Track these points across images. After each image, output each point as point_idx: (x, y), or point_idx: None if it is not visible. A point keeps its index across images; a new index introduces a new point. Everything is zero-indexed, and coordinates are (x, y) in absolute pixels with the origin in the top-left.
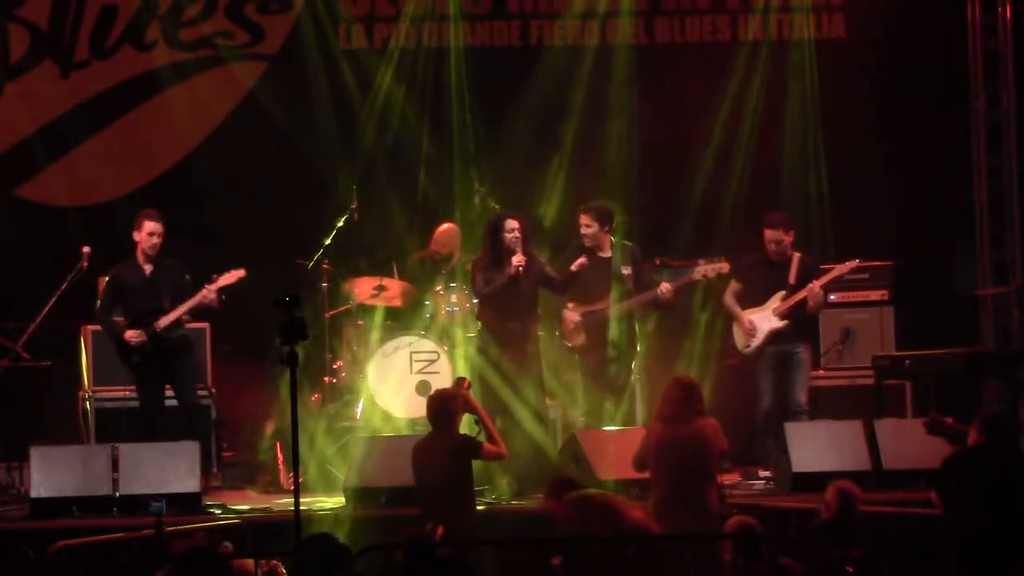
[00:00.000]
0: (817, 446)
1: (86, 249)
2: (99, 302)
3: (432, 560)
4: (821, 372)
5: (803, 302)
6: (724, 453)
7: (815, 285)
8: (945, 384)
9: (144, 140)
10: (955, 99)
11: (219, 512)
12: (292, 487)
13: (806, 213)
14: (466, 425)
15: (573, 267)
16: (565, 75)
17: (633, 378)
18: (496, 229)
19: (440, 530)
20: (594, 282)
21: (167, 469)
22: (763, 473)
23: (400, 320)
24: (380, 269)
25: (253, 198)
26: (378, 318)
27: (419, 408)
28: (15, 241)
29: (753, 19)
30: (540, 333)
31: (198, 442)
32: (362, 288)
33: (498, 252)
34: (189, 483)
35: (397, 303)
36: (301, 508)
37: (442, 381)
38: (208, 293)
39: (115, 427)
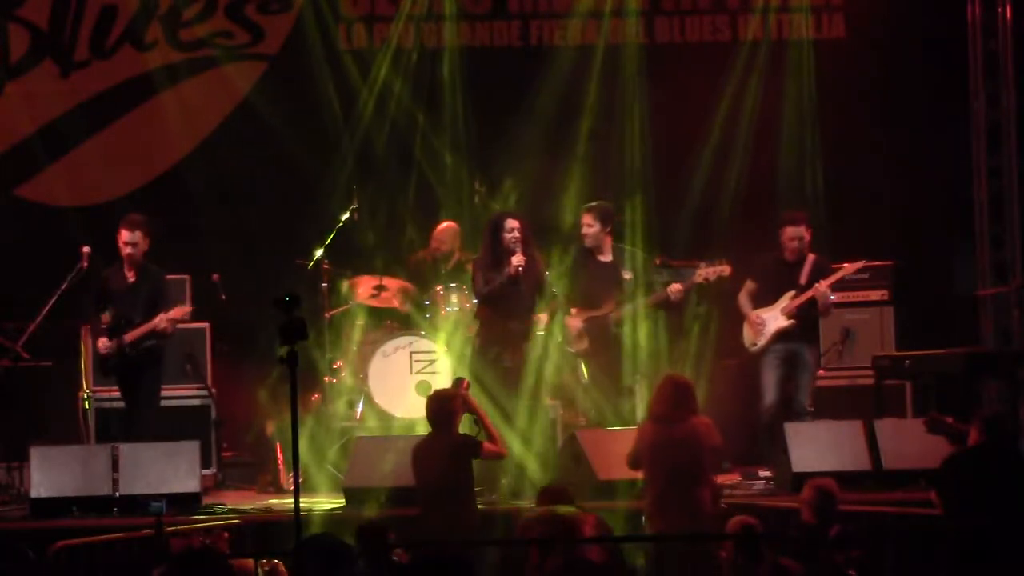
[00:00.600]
0: (817, 446)
1: (86, 249)
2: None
3: (385, 545)
4: (821, 372)
5: (812, 302)
6: (717, 450)
7: (822, 285)
8: (945, 384)
9: (144, 140)
10: (955, 99)
11: (219, 512)
12: (292, 487)
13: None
14: (466, 425)
15: (510, 269)
16: (565, 75)
17: (635, 379)
18: (496, 229)
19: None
20: (596, 287)
21: (167, 469)
22: (763, 473)
23: (400, 320)
24: (380, 269)
25: (253, 198)
26: (378, 318)
27: (419, 408)
28: (15, 241)
29: (753, 19)
30: (540, 333)
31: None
32: (362, 288)
33: (498, 252)
34: (189, 483)
35: (397, 303)
36: (301, 508)
37: (442, 381)
38: (160, 322)
39: (115, 427)
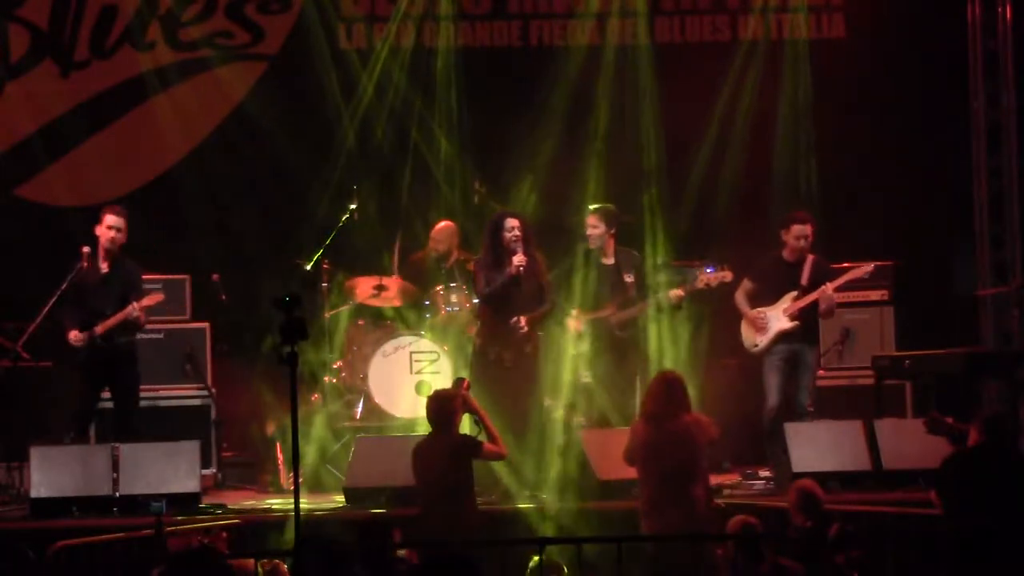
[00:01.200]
0: (817, 446)
1: (86, 249)
2: (60, 292)
3: (387, 544)
4: (821, 372)
5: (814, 304)
6: (713, 445)
7: (828, 288)
8: (945, 384)
9: (144, 140)
10: (955, 99)
11: (219, 512)
12: (292, 487)
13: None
14: (466, 425)
15: (511, 269)
16: (565, 75)
17: (636, 381)
18: (496, 229)
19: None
20: (598, 290)
21: (167, 469)
22: (763, 473)
23: (400, 320)
24: (380, 269)
25: (253, 198)
26: (378, 318)
27: (419, 408)
28: (15, 241)
29: (753, 19)
30: (540, 333)
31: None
32: (362, 288)
33: (499, 252)
34: (189, 483)
35: (397, 303)
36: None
37: (442, 381)
38: (132, 311)
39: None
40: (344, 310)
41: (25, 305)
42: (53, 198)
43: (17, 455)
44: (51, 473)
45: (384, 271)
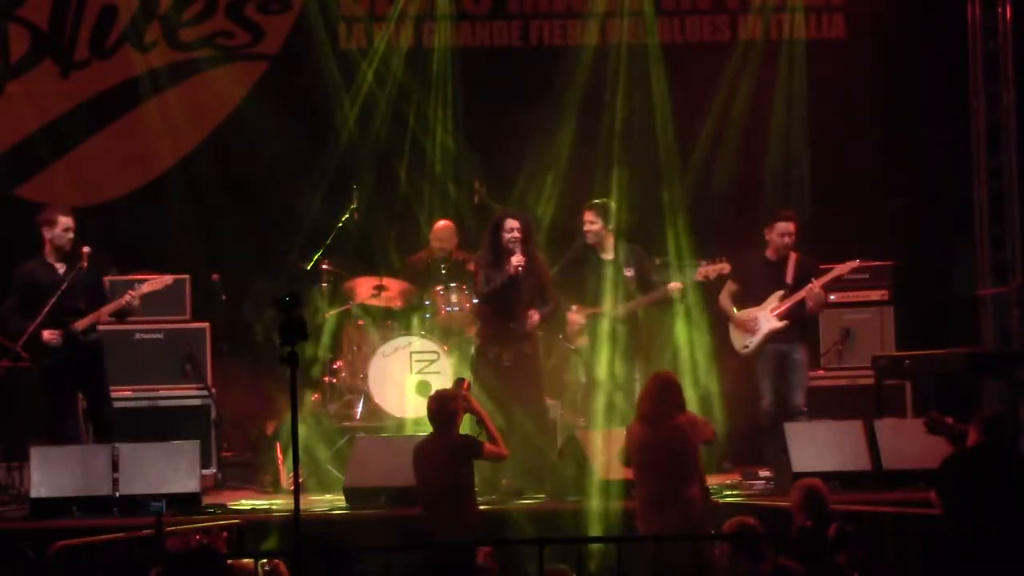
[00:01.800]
0: (817, 446)
1: (86, 249)
2: (7, 301)
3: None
4: (821, 372)
5: (801, 302)
6: (710, 443)
7: (815, 285)
8: (945, 384)
9: (144, 140)
10: (955, 99)
11: (219, 512)
12: (292, 487)
13: (806, 213)
14: (466, 426)
15: (510, 269)
16: (567, 75)
17: (636, 378)
18: (496, 229)
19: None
20: (597, 285)
21: (167, 469)
22: (763, 473)
23: (400, 320)
24: (380, 269)
25: (253, 197)
26: (378, 318)
27: (419, 408)
28: (15, 241)
29: (753, 19)
30: (540, 333)
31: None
32: (362, 288)
33: (499, 251)
34: (189, 483)
35: (397, 303)
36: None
37: (442, 381)
38: (132, 299)
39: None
40: (344, 310)
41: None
42: (53, 198)
43: (17, 455)
44: (51, 473)
45: (390, 270)
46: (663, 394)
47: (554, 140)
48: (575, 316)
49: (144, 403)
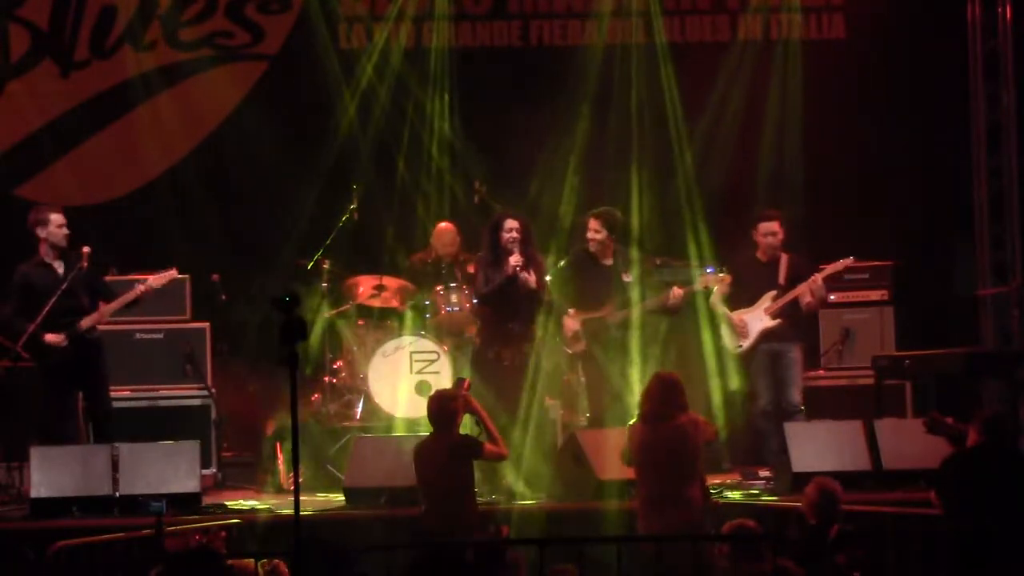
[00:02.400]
0: (817, 446)
1: (86, 249)
2: (7, 305)
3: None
4: (821, 372)
5: (795, 302)
6: (711, 443)
7: (816, 278)
8: (945, 384)
9: (144, 140)
10: (955, 99)
11: (219, 512)
12: (292, 487)
13: (805, 213)
14: (466, 426)
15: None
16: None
17: (635, 381)
18: (496, 229)
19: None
20: (595, 289)
21: (167, 469)
22: (763, 473)
23: (400, 320)
24: (380, 269)
25: (253, 197)
26: (378, 318)
27: (419, 408)
28: (15, 241)
29: (753, 19)
30: (539, 333)
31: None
32: (362, 288)
33: (498, 251)
34: (189, 483)
35: (397, 303)
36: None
37: (442, 381)
38: (144, 293)
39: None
40: (344, 310)
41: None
42: (54, 198)
43: (17, 455)
44: (51, 473)
45: (395, 269)
46: (665, 394)
47: (561, 140)
48: (571, 322)
49: (144, 403)
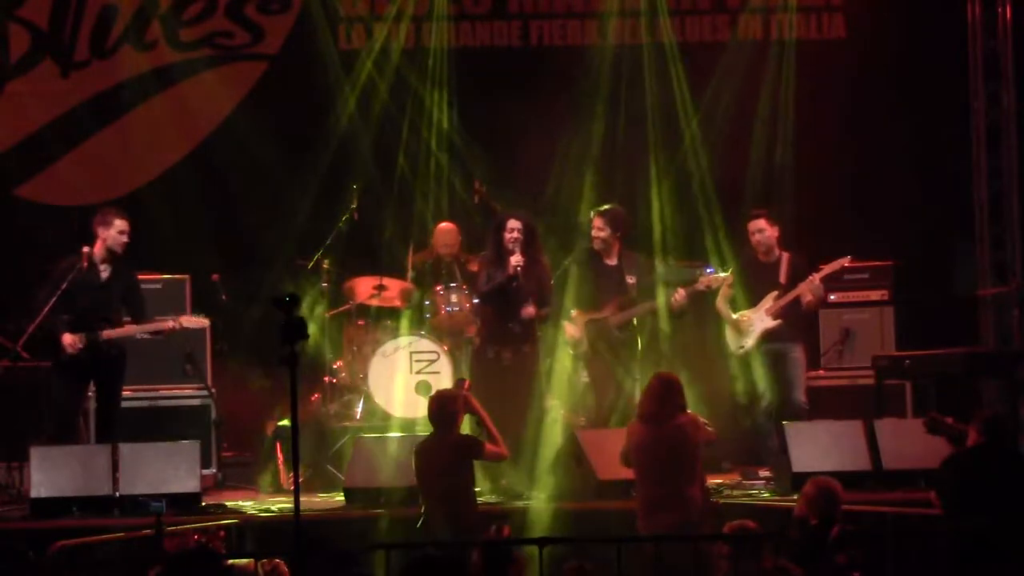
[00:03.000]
0: (817, 446)
1: (86, 249)
2: (41, 291)
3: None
4: (821, 372)
5: (796, 301)
6: (710, 443)
7: (814, 278)
8: (945, 384)
9: (144, 140)
10: (955, 99)
11: (219, 512)
12: (292, 487)
13: (806, 212)
14: (467, 426)
15: (509, 269)
16: (565, 75)
17: (635, 381)
18: (498, 229)
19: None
20: (599, 290)
21: (167, 469)
22: (763, 473)
23: (400, 320)
24: (380, 269)
25: (253, 197)
26: (378, 318)
27: (419, 408)
28: (15, 241)
29: (753, 19)
30: (539, 334)
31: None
32: (362, 288)
33: (500, 251)
34: (189, 483)
35: (397, 303)
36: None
37: (442, 381)
38: (172, 330)
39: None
40: (344, 310)
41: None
42: (53, 198)
43: (17, 455)
44: (51, 473)
45: (396, 269)
46: (664, 394)
47: (562, 140)
48: (572, 329)
49: (144, 403)
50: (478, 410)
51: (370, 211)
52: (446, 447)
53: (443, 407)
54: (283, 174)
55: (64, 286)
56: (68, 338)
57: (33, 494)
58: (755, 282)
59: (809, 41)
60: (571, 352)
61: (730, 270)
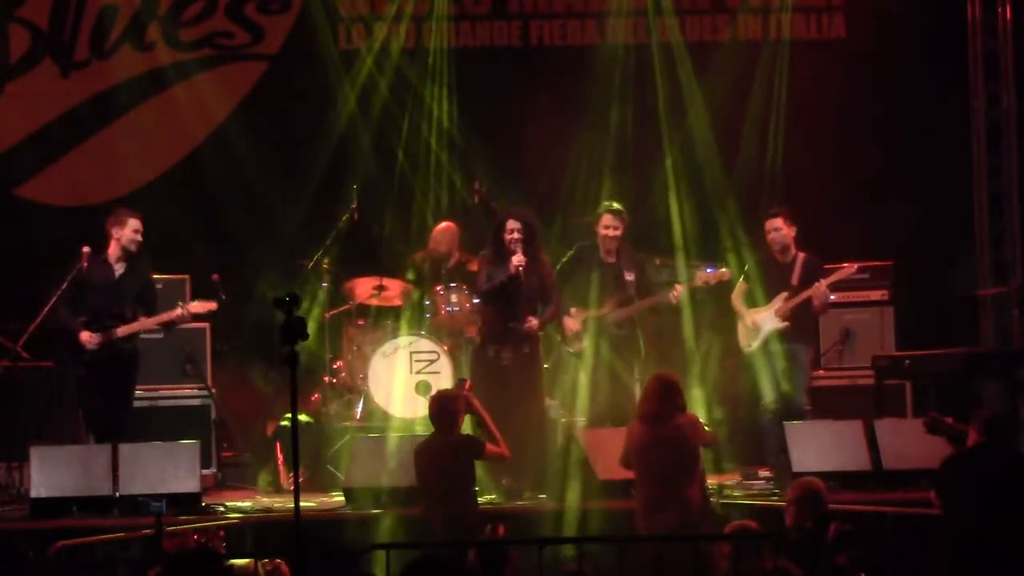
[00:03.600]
0: (817, 446)
1: (86, 249)
2: (61, 292)
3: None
4: (821, 372)
5: (806, 303)
6: (710, 444)
7: (822, 284)
8: (945, 384)
9: (144, 140)
10: (955, 99)
11: (219, 512)
12: (292, 487)
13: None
14: (467, 426)
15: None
16: (565, 75)
17: (635, 380)
18: (499, 228)
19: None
20: (598, 287)
21: (167, 469)
22: (763, 473)
23: (400, 320)
24: (380, 269)
25: (254, 198)
26: (378, 318)
27: (419, 408)
28: (15, 241)
29: (753, 19)
30: (540, 333)
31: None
32: (362, 288)
33: (501, 251)
34: (189, 483)
35: (397, 303)
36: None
37: (442, 381)
38: (183, 315)
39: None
40: (344, 310)
41: (25, 305)
42: (53, 198)
43: (17, 455)
44: (51, 473)
45: (396, 268)
46: (664, 395)
47: (562, 140)
48: (571, 322)
49: (144, 403)
50: (479, 410)
51: (370, 211)
52: (446, 447)
53: (444, 407)
54: (283, 174)
55: (64, 286)
56: (86, 335)
57: (33, 494)
58: (768, 281)
59: (809, 41)
60: (568, 348)
61: (724, 268)
